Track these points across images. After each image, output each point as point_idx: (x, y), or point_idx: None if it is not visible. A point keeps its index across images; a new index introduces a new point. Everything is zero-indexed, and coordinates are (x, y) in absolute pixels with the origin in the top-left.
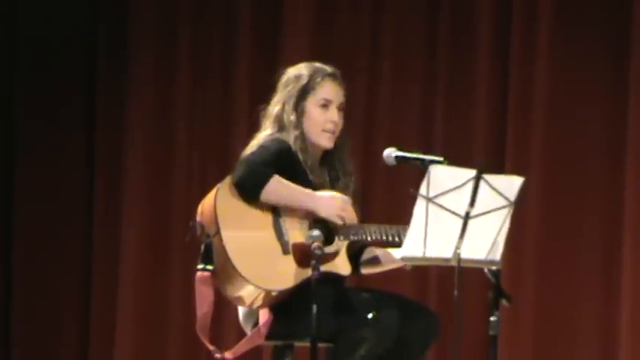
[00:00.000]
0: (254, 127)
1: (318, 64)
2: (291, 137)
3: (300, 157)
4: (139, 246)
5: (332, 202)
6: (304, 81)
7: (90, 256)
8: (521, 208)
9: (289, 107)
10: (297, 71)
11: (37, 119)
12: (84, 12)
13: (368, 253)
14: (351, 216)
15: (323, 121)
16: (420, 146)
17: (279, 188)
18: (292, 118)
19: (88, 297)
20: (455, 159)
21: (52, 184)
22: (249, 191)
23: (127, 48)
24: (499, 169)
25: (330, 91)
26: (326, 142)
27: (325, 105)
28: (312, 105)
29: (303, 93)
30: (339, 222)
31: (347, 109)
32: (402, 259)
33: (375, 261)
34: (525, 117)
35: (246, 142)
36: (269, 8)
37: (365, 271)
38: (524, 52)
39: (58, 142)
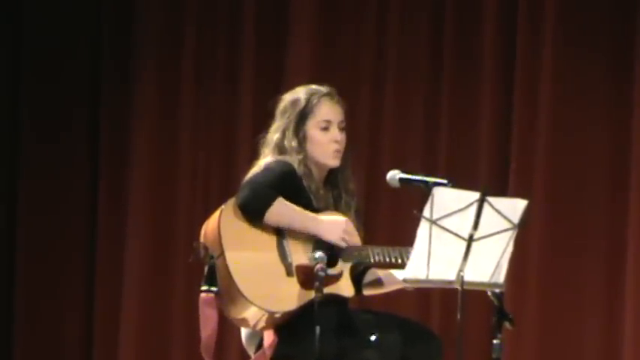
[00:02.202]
0: (258, 129)
1: (313, 86)
2: (294, 162)
3: (305, 182)
4: (142, 250)
5: (335, 226)
6: (302, 105)
7: (94, 259)
8: (525, 225)
9: (290, 133)
10: (294, 96)
11: (41, 122)
12: (88, 12)
13: (371, 275)
14: (354, 239)
15: (326, 143)
16: (424, 151)
17: (282, 210)
18: (294, 143)
19: (92, 300)
20: (459, 165)
21: (56, 188)
22: (253, 213)
23: (132, 48)
24: (503, 173)
25: (328, 111)
26: (333, 161)
27: (326, 127)
28: (313, 128)
29: (302, 117)
30: (343, 245)
31: (351, 115)
32: (405, 280)
33: (377, 283)
34: (530, 122)
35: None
36: (274, 10)
37: (367, 292)
38: (528, 61)
39: (62, 146)
